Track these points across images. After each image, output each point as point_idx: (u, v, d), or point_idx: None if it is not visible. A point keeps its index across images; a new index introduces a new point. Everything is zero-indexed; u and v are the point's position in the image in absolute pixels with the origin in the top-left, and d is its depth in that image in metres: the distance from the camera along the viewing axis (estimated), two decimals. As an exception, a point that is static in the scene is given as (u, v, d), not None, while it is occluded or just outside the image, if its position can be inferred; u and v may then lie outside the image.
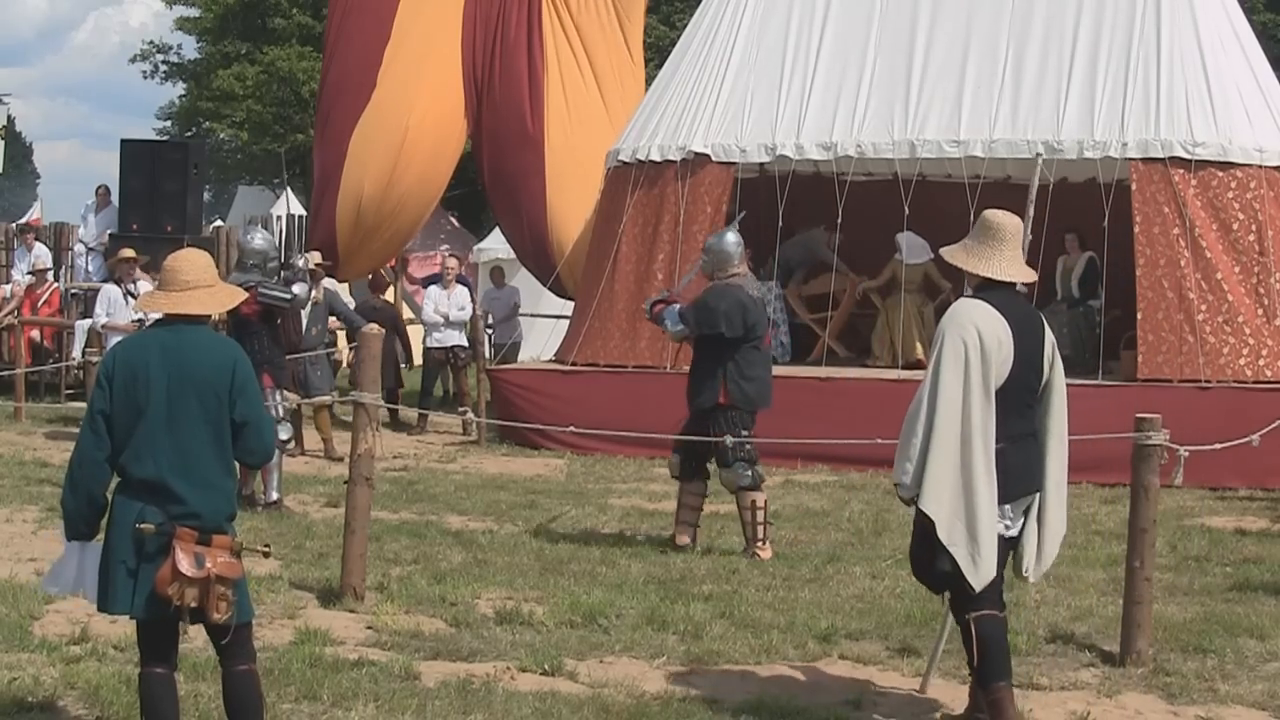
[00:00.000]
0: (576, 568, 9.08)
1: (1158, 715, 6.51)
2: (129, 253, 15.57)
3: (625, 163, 15.40)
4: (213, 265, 5.55)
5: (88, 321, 16.83)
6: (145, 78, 43.89)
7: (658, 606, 7.99)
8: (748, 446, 9.59)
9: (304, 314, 13.31)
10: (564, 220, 17.64)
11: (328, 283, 15.52)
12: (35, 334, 18.34)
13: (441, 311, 16.79)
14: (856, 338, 16.27)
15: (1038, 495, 6.11)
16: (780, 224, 14.61)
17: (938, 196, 14.48)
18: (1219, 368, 13.31)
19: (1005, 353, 5.93)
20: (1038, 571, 6.18)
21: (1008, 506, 6.01)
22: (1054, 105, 14.10)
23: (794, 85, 14.99)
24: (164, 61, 43.32)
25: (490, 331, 17.72)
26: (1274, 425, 9.71)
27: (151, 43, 43.82)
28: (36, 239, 20.35)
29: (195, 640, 6.12)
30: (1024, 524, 6.12)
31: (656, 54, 26.68)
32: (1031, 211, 7.13)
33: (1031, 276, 6.21)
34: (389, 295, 18.55)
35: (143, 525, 5.17)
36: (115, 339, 12.00)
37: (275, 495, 10.89)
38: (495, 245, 23.74)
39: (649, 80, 18.11)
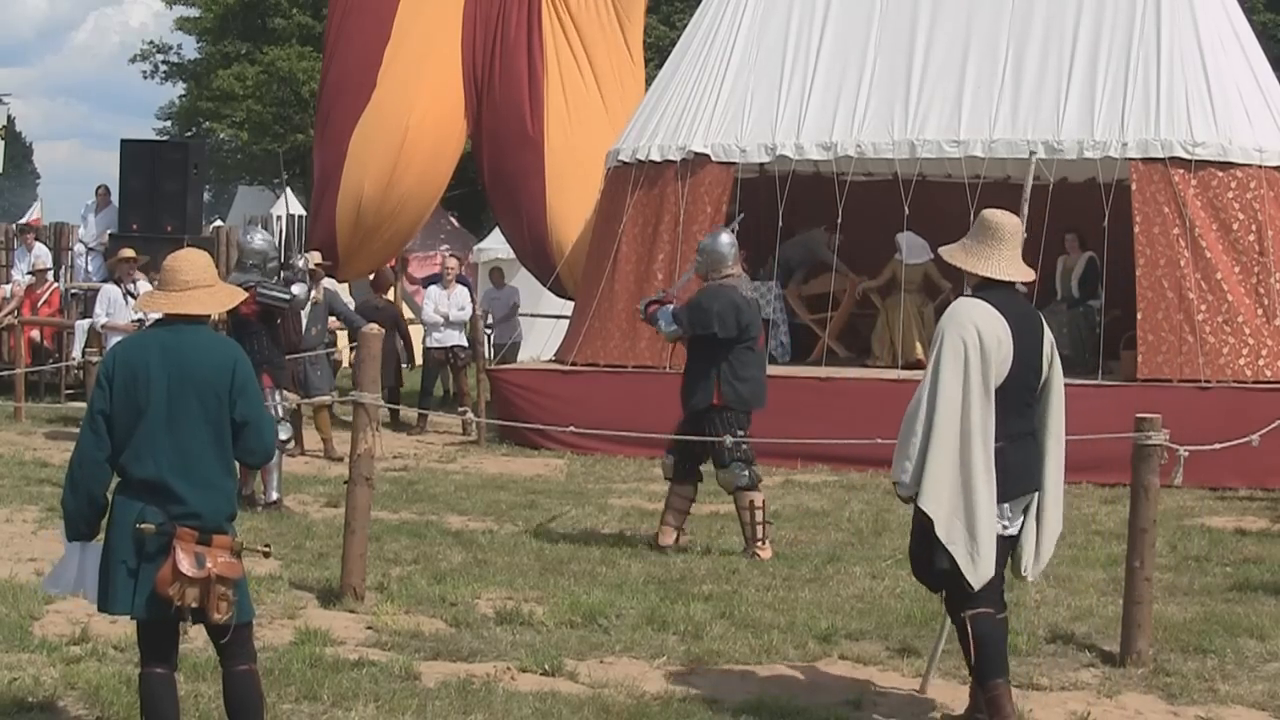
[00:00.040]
0: (576, 568, 9.08)
1: (1158, 715, 6.51)
2: (129, 253, 15.57)
3: (625, 163, 15.41)
4: (212, 265, 5.55)
5: (88, 321, 16.83)
6: (145, 78, 43.96)
7: (658, 606, 7.99)
8: (744, 446, 9.59)
9: (304, 314, 13.31)
10: (564, 220, 17.64)
11: (328, 283, 15.51)
12: (35, 334, 18.34)
13: (441, 311, 16.79)
14: (856, 338, 16.27)
15: (1036, 494, 6.13)
16: (780, 224, 14.61)
17: (938, 196, 14.48)
18: (1219, 368, 13.31)
19: (1005, 352, 5.94)
20: (1035, 570, 6.19)
21: (1006, 505, 6.02)
22: (1054, 105, 14.10)
23: (794, 85, 14.99)
24: (164, 61, 43.34)
25: (490, 332, 17.72)
26: (1274, 425, 9.71)
27: (151, 43, 43.88)
28: (36, 239, 20.35)
29: (195, 640, 6.13)
30: (1023, 523, 6.13)
31: (656, 54, 26.68)
32: (1025, 209, 7.13)
33: (1030, 276, 6.21)
34: (389, 295, 18.54)
35: (143, 525, 5.17)
36: (115, 339, 12.00)
37: (275, 495, 10.89)
38: (495, 245, 23.74)
39: (649, 80, 18.12)
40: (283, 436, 10.89)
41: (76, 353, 17.12)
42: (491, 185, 18.84)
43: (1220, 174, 13.62)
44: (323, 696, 6.30)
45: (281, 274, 12.77)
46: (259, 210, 28.27)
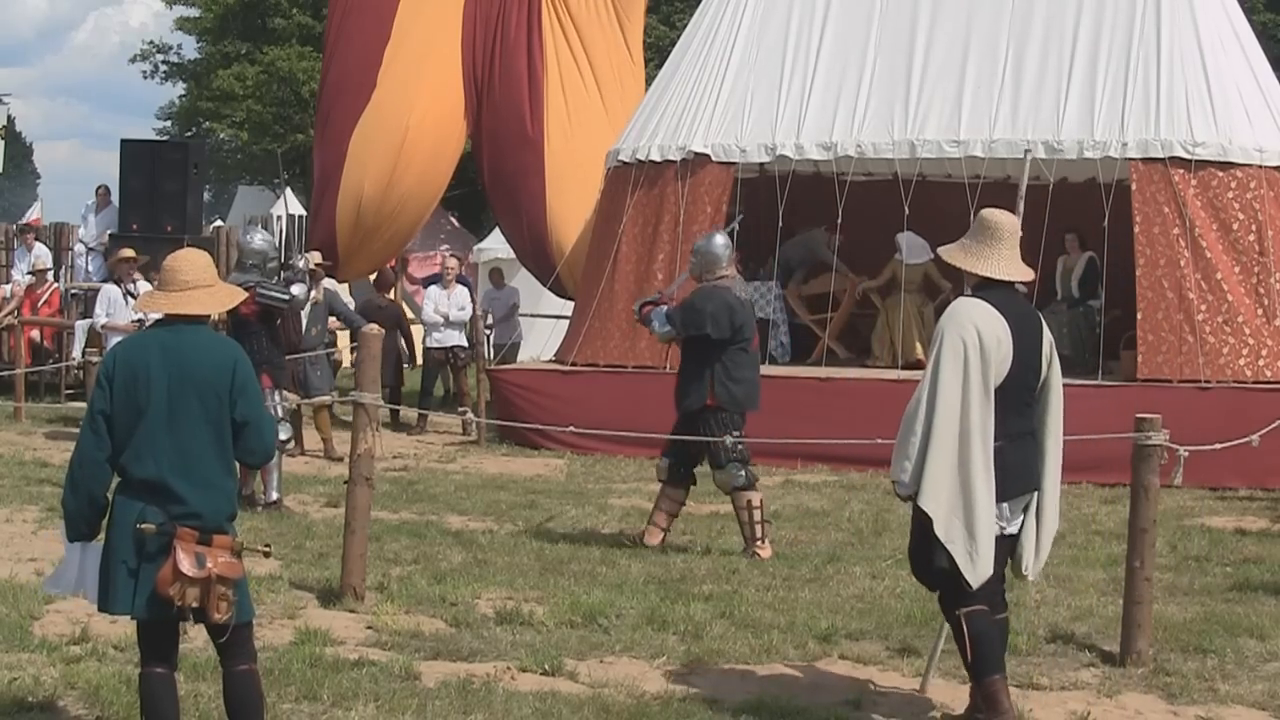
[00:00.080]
0: (576, 568, 9.08)
1: (1158, 715, 6.51)
2: (129, 252, 15.56)
3: (625, 163, 15.41)
4: (212, 265, 5.55)
5: (88, 321, 16.83)
6: (145, 78, 43.97)
7: (658, 606, 7.99)
8: (740, 447, 9.59)
9: (304, 314, 13.31)
10: (564, 220, 17.64)
11: (328, 283, 15.52)
12: (35, 334, 18.34)
13: (441, 311, 16.80)
14: (856, 338, 16.27)
15: (1036, 494, 6.13)
16: (780, 224, 14.61)
17: (938, 196, 14.48)
18: (1219, 368, 13.31)
19: (1004, 351, 5.94)
20: (1035, 569, 6.21)
21: (1005, 505, 6.03)
22: (1054, 105, 14.10)
23: (794, 85, 14.99)
24: (164, 61, 43.35)
25: (489, 332, 17.72)
26: (1274, 425, 9.71)
27: (151, 43, 43.88)
28: (36, 239, 20.35)
29: (195, 640, 6.13)
30: (1023, 522, 6.14)
31: (656, 54, 26.68)
32: (1021, 208, 7.14)
33: (1029, 275, 6.22)
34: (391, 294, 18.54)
35: (143, 525, 5.17)
36: (115, 339, 12.00)
37: (275, 495, 10.89)
38: (495, 245, 23.73)
39: (649, 80, 18.12)
40: (282, 436, 10.89)
41: (76, 353, 17.12)
42: (491, 185, 18.84)
43: (1220, 174, 13.62)
44: (323, 696, 6.30)
45: (281, 274, 12.78)
46: (259, 210, 28.27)
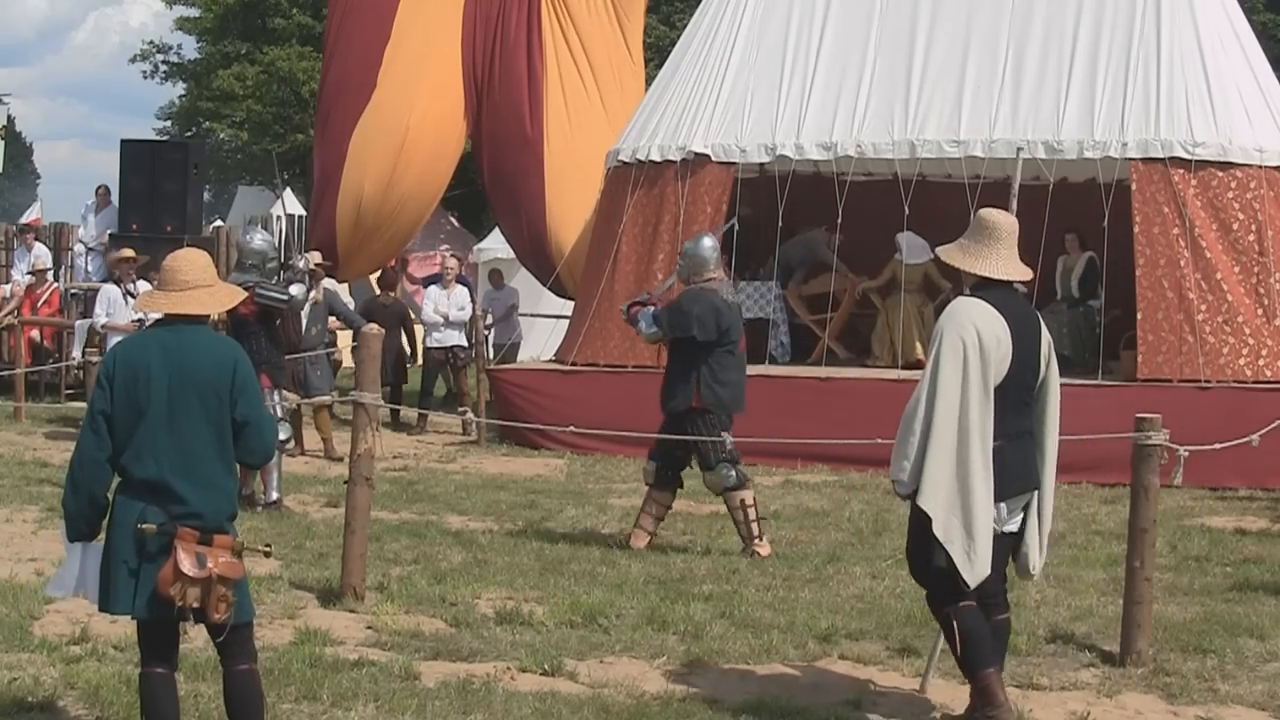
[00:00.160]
0: (576, 568, 9.08)
1: (1158, 715, 6.51)
2: (128, 252, 15.56)
3: (625, 163, 15.41)
4: (212, 265, 5.55)
5: (88, 321, 16.83)
6: (145, 78, 43.98)
7: (658, 606, 7.99)
8: (729, 447, 9.60)
9: (304, 314, 13.31)
10: (563, 221, 17.64)
11: (328, 283, 15.51)
12: (35, 334, 18.34)
13: (441, 311, 16.80)
14: (856, 338, 16.26)
15: (1035, 493, 6.14)
16: (780, 224, 14.61)
17: (938, 196, 14.47)
18: (1219, 368, 13.31)
19: (1004, 351, 5.95)
20: (1037, 568, 6.22)
21: (1004, 504, 6.03)
22: (1054, 105, 14.10)
23: (794, 85, 14.99)
24: (164, 61, 43.37)
25: (489, 332, 17.72)
26: (1274, 425, 9.70)
27: (151, 43, 43.90)
28: (36, 239, 20.35)
29: (195, 640, 6.13)
30: (1024, 522, 6.14)
31: (656, 54, 26.68)
32: (1014, 206, 7.14)
33: (1028, 275, 6.23)
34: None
35: (144, 525, 5.17)
36: (115, 339, 12.00)
37: (275, 495, 10.89)
38: (495, 245, 23.75)
39: (649, 80, 18.12)
40: (282, 436, 10.89)
41: (76, 353, 17.12)
42: (491, 185, 18.84)
43: (1220, 174, 13.62)
44: (323, 696, 6.30)
45: (281, 274, 12.77)
46: (259, 210, 28.29)
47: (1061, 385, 6.36)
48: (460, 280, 17.69)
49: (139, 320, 13.55)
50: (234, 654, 5.38)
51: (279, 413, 10.81)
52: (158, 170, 18.20)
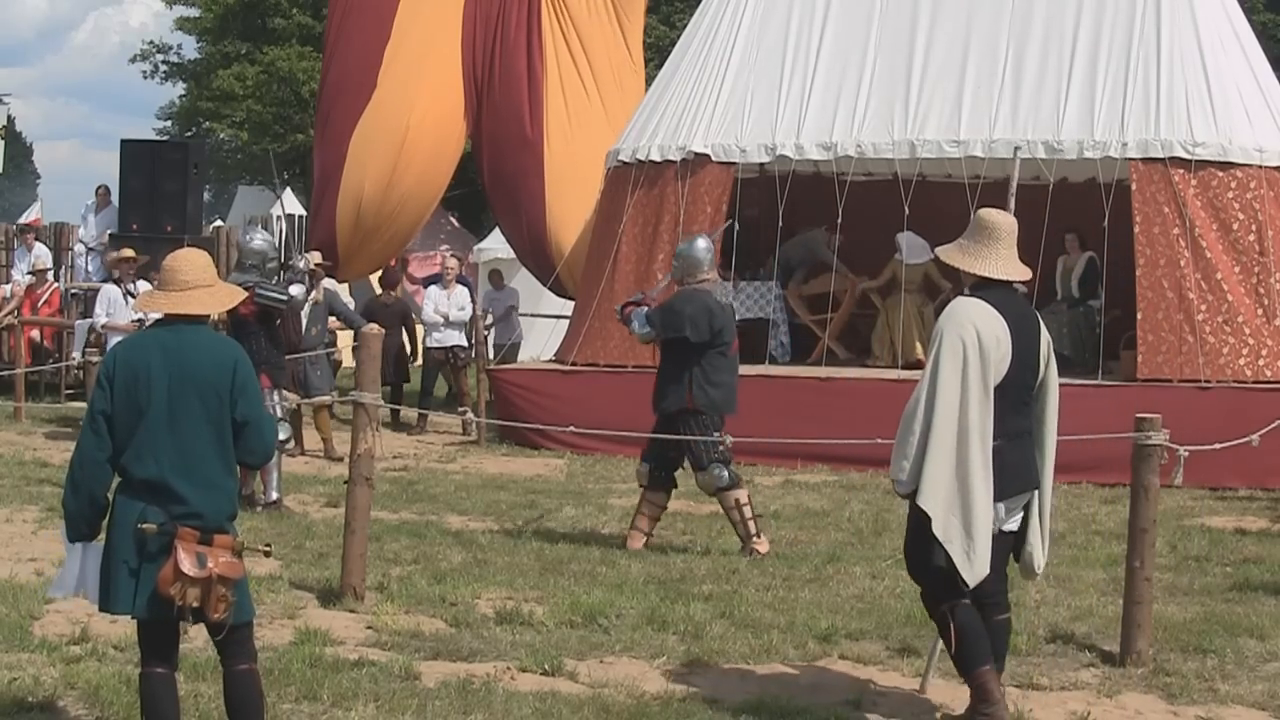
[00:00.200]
0: (576, 568, 9.08)
1: (1158, 715, 6.51)
2: (128, 252, 15.56)
3: (625, 163, 15.41)
4: (212, 265, 5.55)
5: (88, 321, 16.82)
6: (145, 78, 43.96)
7: (658, 606, 7.99)
8: (721, 447, 9.60)
9: (304, 314, 13.31)
10: (563, 221, 17.64)
11: (328, 283, 15.51)
12: (35, 334, 18.34)
13: (441, 311, 16.80)
14: (856, 338, 16.26)
15: (1035, 493, 6.15)
16: (780, 224, 14.61)
17: (938, 196, 14.47)
18: (1219, 368, 13.31)
19: (1003, 351, 5.95)
20: (1040, 566, 6.24)
21: (1002, 504, 6.03)
22: (1054, 105, 14.10)
23: (794, 85, 14.99)
24: (164, 61, 43.35)
25: (488, 332, 17.73)
26: (1274, 425, 9.70)
27: (151, 43, 43.88)
28: (36, 239, 20.35)
29: (195, 640, 6.13)
30: (1025, 523, 6.15)
31: (656, 54, 26.68)
32: (1012, 205, 7.14)
33: (1027, 275, 6.23)
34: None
35: (145, 525, 5.17)
36: (115, 339, 12.00)
37: (275, 495, 10.89)
38: (495, 245, 23.75)
39: (649, 80, 18.11)
40: (281, 436, 10.89)
41: (76, 353, 17.11)
42: (491, 186, 18.84)
43: (1220, 174, 13.62)
44: (323, 696, 6.30)
45: (281, 274, 12.77)
46: (259, 210, 28.28)
47: (1061, 385, 6.38)
48: (460, 280, 17.68)
49: (139, 320, 13.55)
50: (234, 654, 5.38)
51: (279, 413, 10.81)
52: (158, 170, 18.20)
